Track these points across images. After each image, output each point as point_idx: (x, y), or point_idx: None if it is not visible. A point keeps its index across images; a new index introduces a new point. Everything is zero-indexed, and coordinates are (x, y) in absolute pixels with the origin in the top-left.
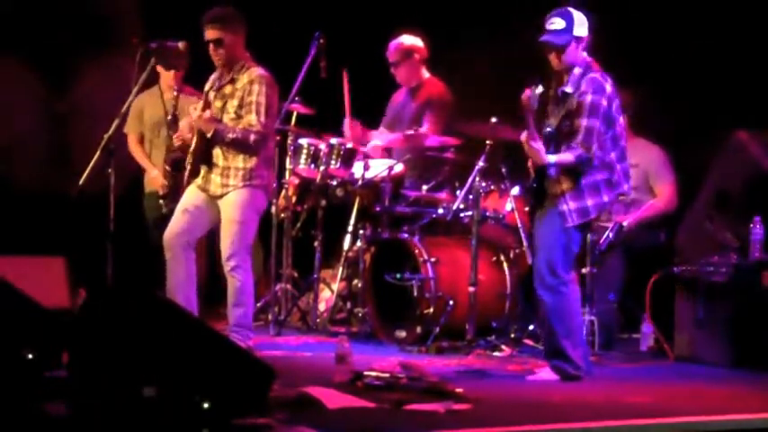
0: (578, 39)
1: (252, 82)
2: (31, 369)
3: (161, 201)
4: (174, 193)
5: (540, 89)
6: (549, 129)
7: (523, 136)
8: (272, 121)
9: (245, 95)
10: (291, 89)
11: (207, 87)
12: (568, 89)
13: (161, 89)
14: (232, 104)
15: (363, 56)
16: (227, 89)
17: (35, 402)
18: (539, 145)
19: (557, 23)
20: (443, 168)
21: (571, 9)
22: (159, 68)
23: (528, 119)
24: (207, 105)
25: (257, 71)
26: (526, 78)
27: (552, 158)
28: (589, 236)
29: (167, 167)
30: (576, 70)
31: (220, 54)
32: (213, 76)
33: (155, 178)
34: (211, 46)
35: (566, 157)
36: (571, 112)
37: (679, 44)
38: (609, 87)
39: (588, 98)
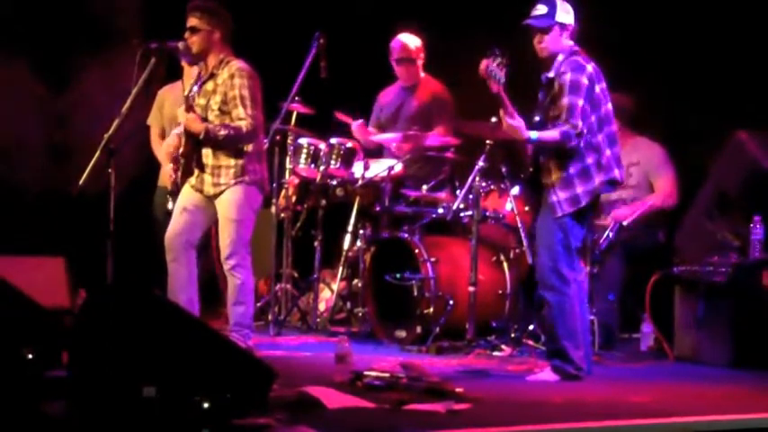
0: (562, 25)
1: (232, 76)
2: (31, 369)
3: (168, 196)
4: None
5: (501, 60)
6: (537, 118)
7: (500, 113)
8: (259, 112)
9: (227, 90)
10: (291, 89)
11: (185, 92)
12: (551, 74)
13: (183, 84)
14: (215, 101)
15: (363, 55)
16: (209, 85)
17: (35, 402)
18: (515, 121)
19: (540, 9)
20: (443, 168)
21: None
22: (183, 64)
23: (500, 91)
24: (190, 107)
25: (236, 64)
26: (486, 51)
27: (534, 134)
28: (588, 235)
29: (173, 164)
30: (560, 57)
31: (193, 41)
32: (195, 73)
33: (167, 173)
34: (187, 33)
35: (550, 133)
36: (554, 96)
37: (679, 44)
38: (590, 68)
39: (567, 77)
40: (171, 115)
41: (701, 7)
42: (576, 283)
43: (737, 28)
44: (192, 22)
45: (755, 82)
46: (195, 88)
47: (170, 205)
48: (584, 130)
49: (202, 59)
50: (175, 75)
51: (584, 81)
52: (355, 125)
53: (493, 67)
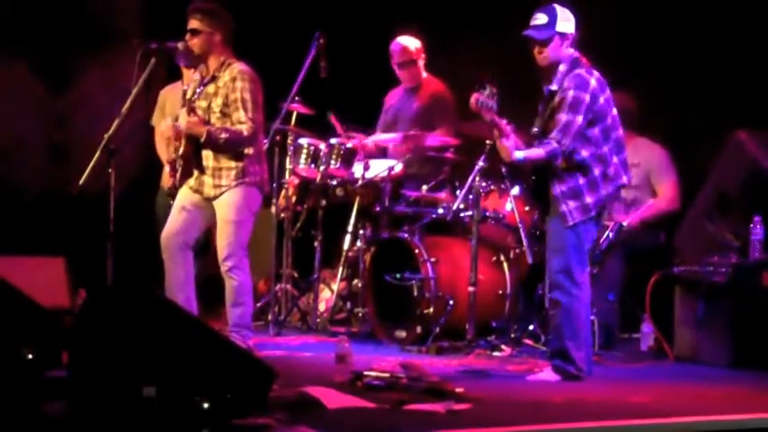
0: (562, 35)
1: (234, 79)
2: (31, 369)
3: (169, 197)
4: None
5: (490, 90)
6: (536, 129)
7: (495, 134)
8: (260, 115)
9: (228, 93)
10: (291, 89)
11: (188, 94)
12: (553, 87)
13: (183, 84)
14: (216, 103)
15: (363, 55)
16: (211, 88)
17: (35, 402)
18: (508, 142)
19: (540, 19)
20: (443, 168)
21: (556, 5)
22: (182, 67)
23: (493, 118)
24: (192, 110)
25: (238, 67)
26: (476, 82)
27: (520, 154)
28: None
29: (169, 168)
30: (562, 67)
31: (194, 43)
32: (195, 76)
33: (168, 173)
34: (188, 35)
35: (536, 152)
36: (555, 108)
37: (679, 44)
38: (594, 82)
39: (570, 93)
40: (173, 115)
41: (702, 7)
42: (585, 285)
43: (738, 28)
44: (193, 24)
45: (756, 82)
46: (198, 90)
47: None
48: (568, 150)
49: (202, 61)
50: (175, 75)
51: (586, 99)
52: (355, 142)
53: (483, 99)
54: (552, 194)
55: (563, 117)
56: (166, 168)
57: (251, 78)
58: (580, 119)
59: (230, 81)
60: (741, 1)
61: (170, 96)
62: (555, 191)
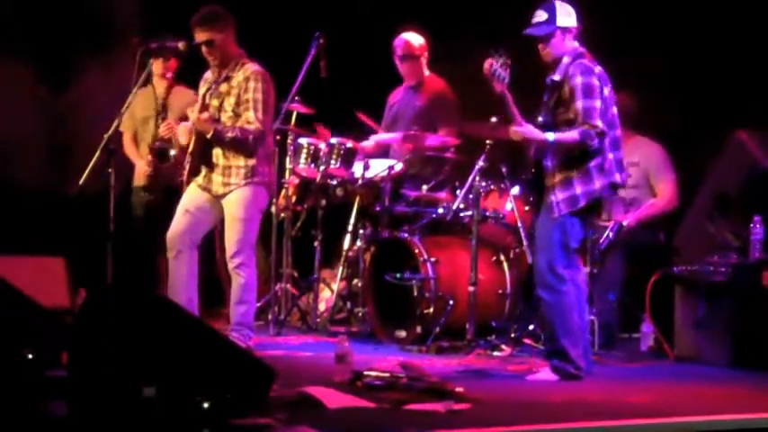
0: (564, 29)
1: (248, 79)
2: (31, 369)
3: (142, 192)
4: (156, 182)
5: (504, 60)
6: (540, 119)
7: (512, 129)
8: (270, 117)
9: (241, 93)
10: (291, 89)
11: (203, 89)
12: (557, 77)
13: (152, 81)
14: (229, 102)
15: (363, 55)
16: (224, 87)
17: (35, 402)
18: (525, 128)
19: (539, 16)
20: (443, 168)
21: (556, 1)
22: (154, 66)
23: (503, 91)
24: (204, 107)
25: (252, 67)
26: (487, 52)
27: (551, 136)
28: (589, 235)
29: (150, 156)
30: (566, 59)
31: (214, 54)
32: (207, 75)
33: (140, 171)
34: (204, 48)
35: (569, 134)
36: (564, 99)
37: (679, 44)
38: (598, 70)
39: (579, 80)
40: (141, 117)
41: (702, 7)
42: (573, 282)
43: (737, 28)
44: (205, 36)
45: (756, 82)
46: (217, 86)
47: (145, 198)
48: (606, 130)
49: (221, 66)
50: (177, 75)
51: (596, 82)
52: (357, 145)
53: (497, 67)
54: (545, 186)
55: (580, 104)
56: (137, 167)
57: (264, 79)
58: (598, 103)
59: (243, 81)
60: (741, 1)
61: (140, 98)
62: (548, 182)
